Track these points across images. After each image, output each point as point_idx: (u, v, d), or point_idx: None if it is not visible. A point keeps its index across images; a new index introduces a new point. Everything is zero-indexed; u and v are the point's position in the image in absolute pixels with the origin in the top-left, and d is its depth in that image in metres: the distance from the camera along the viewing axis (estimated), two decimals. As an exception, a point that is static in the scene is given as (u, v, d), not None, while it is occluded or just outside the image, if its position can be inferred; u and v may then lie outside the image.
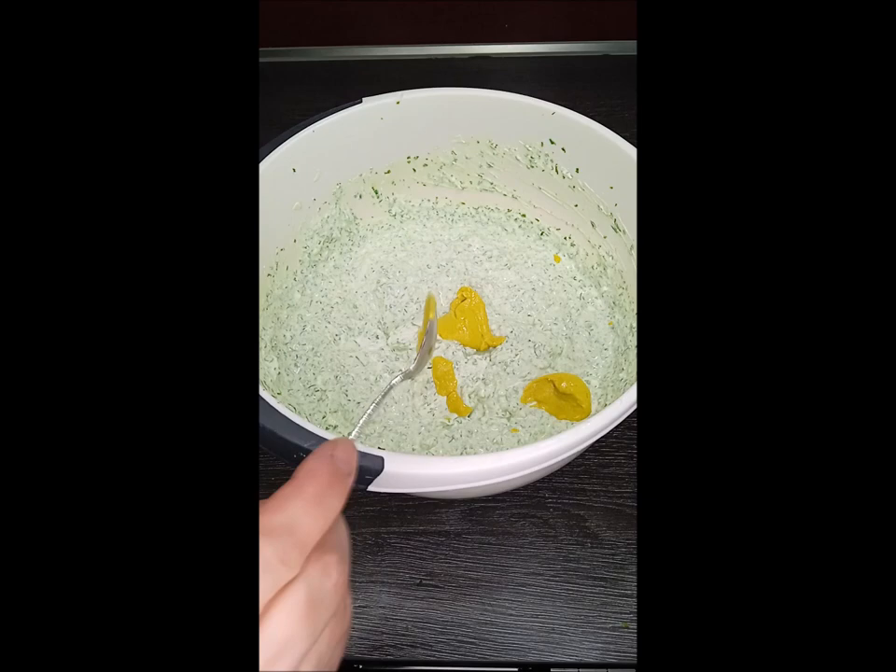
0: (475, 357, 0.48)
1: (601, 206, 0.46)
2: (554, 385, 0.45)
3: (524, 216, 0.53)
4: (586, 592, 0.42)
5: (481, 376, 0.47)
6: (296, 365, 0.48)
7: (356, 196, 0.51)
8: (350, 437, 0.32)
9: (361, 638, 0.41)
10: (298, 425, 0.30)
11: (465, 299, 0.49)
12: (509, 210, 0.53)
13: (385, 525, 0.45)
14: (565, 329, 0.49)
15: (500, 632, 0.41)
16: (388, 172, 0.50)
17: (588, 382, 0.47)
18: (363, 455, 0.29)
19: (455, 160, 0.49)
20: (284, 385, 0.46)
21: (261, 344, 0.45)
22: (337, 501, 0.22)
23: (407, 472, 0.29)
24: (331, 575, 0.21)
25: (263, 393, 0.31)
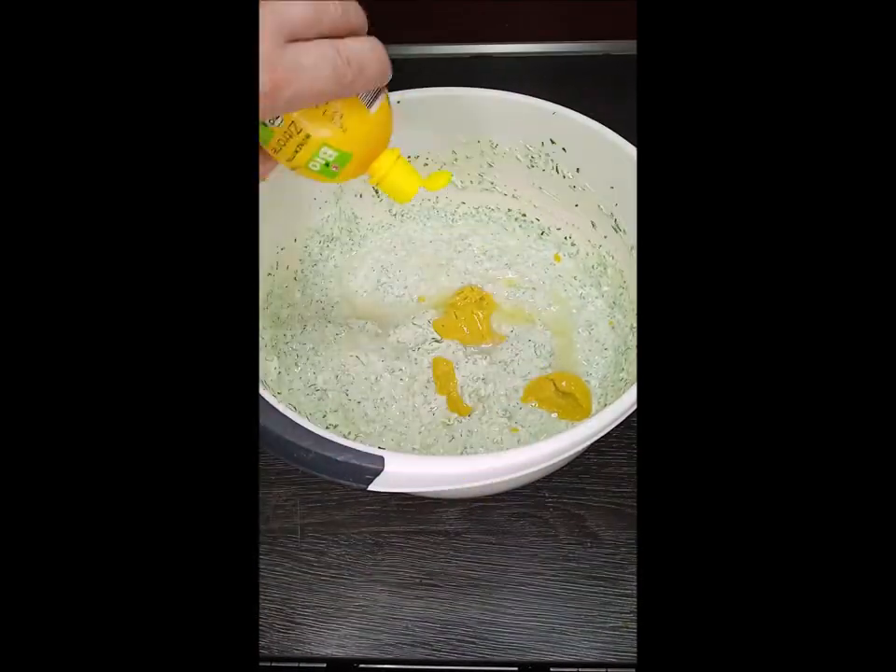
0: (475, 356, 0.48)
1: (601, 206, 0.46)
2: (555, 384, 0.45)
3: (524, 215, 0.53)
4: (586, 591, 0.42)
5: (481, 376, 0.47)
6: (296, 364, 0.48)
7: (356, 195, 0.51)
8: None
9: (361, 637, 0.41)
10: (298, 424, 0.30)
11: (466, 297, 0.49)
12: (509, 210, 0.53)
13: (385, 525, 0.45)
14: (565, 328, 0.49)
15: (500, 631, 0.41)
16: (389, 171, 0.50)
17: (588, 382, 0.47)
18: (363, 454, 0.29)
19: (456, 159, 0.49)
20: (284, 385, 0.46)
21: (261, 344, 0.45)
22: None
23: (407, 472, 0.29)
24: None
25: (263, 392, 0.31)
